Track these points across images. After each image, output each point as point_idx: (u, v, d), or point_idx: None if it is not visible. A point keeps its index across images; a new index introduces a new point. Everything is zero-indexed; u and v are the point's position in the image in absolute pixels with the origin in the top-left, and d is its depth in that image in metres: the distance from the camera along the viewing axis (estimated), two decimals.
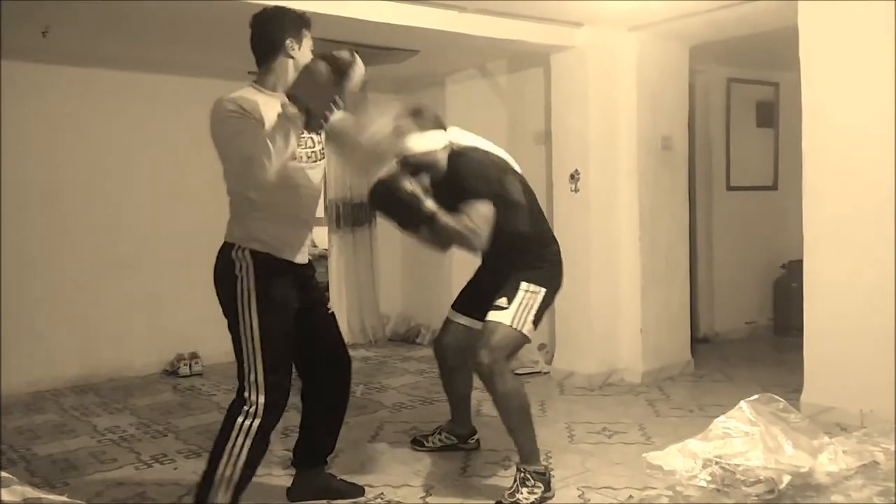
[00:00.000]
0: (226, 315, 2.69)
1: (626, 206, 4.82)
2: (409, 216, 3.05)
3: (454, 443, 3.58)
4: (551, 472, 3.14)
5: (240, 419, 2.62)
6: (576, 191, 4.74)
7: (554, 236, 3.28)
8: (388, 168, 3.05)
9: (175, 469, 3.46)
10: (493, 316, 3.03)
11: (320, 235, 7.17)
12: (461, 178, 3.01)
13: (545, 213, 5.03)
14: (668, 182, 4.93)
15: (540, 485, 2.98)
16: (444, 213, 2.91)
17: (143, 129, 5.27)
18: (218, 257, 2.72)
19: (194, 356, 5.30)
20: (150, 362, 5.30)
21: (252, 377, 2.63)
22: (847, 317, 3.81)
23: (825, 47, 3.86)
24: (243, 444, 2.61)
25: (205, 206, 5.46)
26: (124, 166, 5.24)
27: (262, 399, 2.62)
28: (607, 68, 4.74)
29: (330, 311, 2.99)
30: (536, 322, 3.07)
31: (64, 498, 1.48)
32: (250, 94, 2.61)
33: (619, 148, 4.80)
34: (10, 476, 1.49)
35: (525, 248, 3.13)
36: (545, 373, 5.01)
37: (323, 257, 6.90)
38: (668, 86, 4.91)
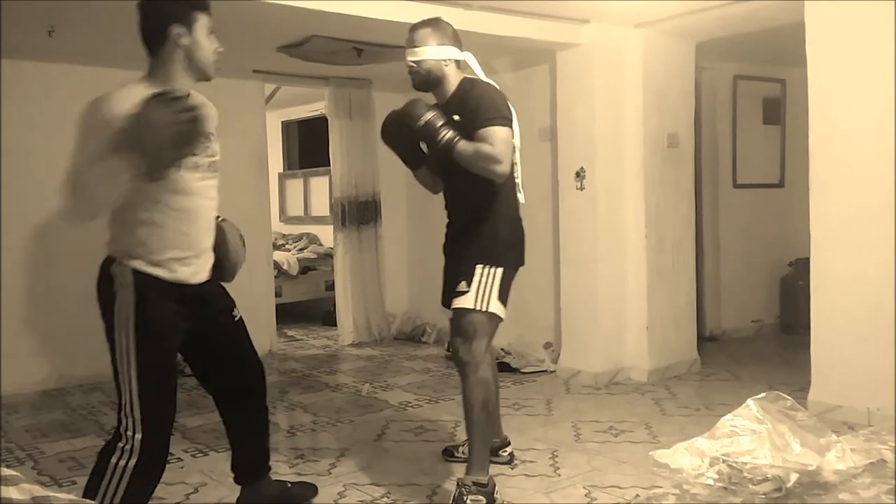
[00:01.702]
0: (105, 333, 2.42)
1: (632, 203, 4.81)
2: (414, 150, 2.99)
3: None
4: (557, 469, 3.12)
5: (113, 459, 2.35)
6: (581, 188, 4.73)
7: (517, 212, 3.06)
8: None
9: (182, 468, 3.46)
10: (456, 303, 2.94)
11: (325, 234, 7.20)
12: (475, 103, 2.84)
13: (550, 210, 5.06)
14: (675, 179, 4.91)
15: (480, 498, 2.81)
16: (464, 141, 2.77)
17: None
18: (99, 271, 2.41)
19: None
20: None
21: (128, 409, 2.36)
22: (854, 315, 3.79)
23: (832, 44, 3.84)
24: (117, 487, 2.33)
25: None
26: None
27: (138, 436, 2.35)
28: (613, 65, 4.73)
29: (237, 318, 2.75)
30: (503, 299, 2.94)
31: (72, 496, 1.48)
32: (132, 93, 2.27)
33: (625, 145, 4.79)
34: (18, 474, 1.49)
35: (482, 223, 2.97)
36: (551, 371, 5.00)
37: (328, 256, 6.93)
38: (675, 83, 4.89)
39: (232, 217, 2.84)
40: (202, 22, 2.39)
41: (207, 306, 2.57)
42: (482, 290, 2.90)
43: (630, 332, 4.85)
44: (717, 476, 1.59)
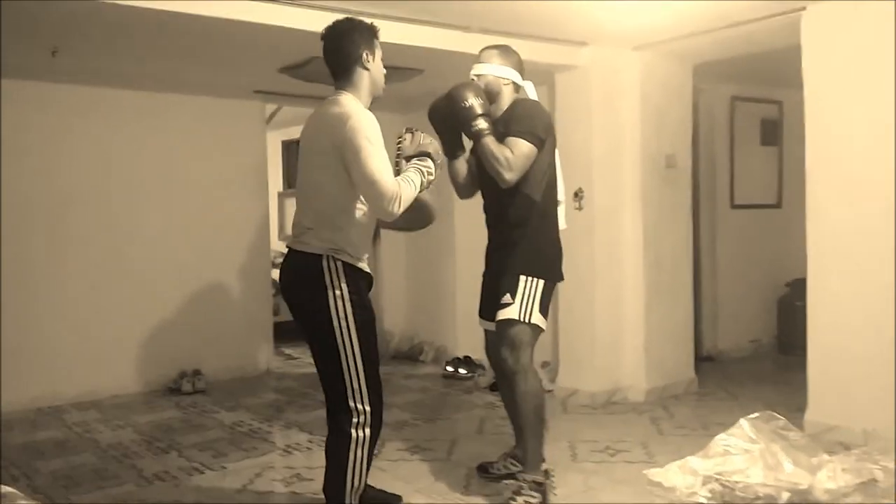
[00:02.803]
0: (310, 326, 2.73)
1: (629, 224, 4.82)
2: (455, 136, 3.12)
3: (519, 469, 3.27)
4: (553, 481, 3.14)
5: (353, 432, 2.67)
6: (580, 209, 4.75)
7: (556, 226, 3.24)
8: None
9: (177, 486, 3.45)
10: (501, 314, 3.06)
11: None
12: (517, 115, 3.05)
13: None
14: (672, 200, 4.93)
15: (536, 495, 2.99)
16: (492, 138, 2.97)
17: (149, 147, 5.31)
18: (298, 269, 2.72)
19: (197, 373, 5.30)
20: (153, 379, 5.30)
21: (357, 386, 2.67)
22: (851, 335, 3.79)
23: (828, 66, 3.88)
24: (363, 454, 2.70)
25: (209, 223, 5.51)
26: (129, 184, 5.27)
27: (368, 408, 2.68)
28: (611, 87, 4.77)
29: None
30: (544, 311, 3.08)
31: None
32: (367, 113, 2.68)
33: (623, 166, 4.82)
34: (16, 491, 1.50)
35: (522, 237, 3.12)
36: (548, 391, 4.97)
37: None
38: (672, 104, 4.93)
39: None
40: (379, 49, 2.77)
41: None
42: (526, 301, 3.05)
43: (627, 351, 4.85)
44: (709, 494, 1.59)
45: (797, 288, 5.56)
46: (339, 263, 2.65)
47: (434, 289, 6.34)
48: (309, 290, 2.68)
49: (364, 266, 2.76)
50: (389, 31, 3.92)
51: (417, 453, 3.85)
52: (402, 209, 2.58)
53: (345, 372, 2.67)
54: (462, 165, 3.27)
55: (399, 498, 3.14)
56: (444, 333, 6.17)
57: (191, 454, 3.90)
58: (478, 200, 3.35)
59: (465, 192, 3.36)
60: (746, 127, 6.25)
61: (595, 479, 3.40)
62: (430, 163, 2.76)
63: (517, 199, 3.09)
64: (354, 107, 2.65)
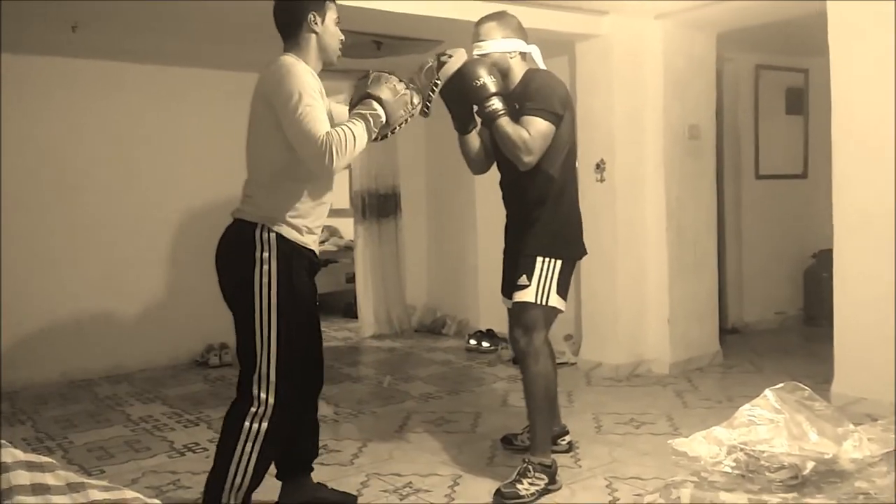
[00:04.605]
0: (231, 298, 2.55)
1: (652, 195, 4.79)
2: (466, 110, 3.00)
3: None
4: (577, 452, 3.13)
5: (246, 423, 2.45)
6: (601, 180, 4.72)
7: (575, 202, 3.16)
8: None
9: (207, 458, 3.50)
10: (517, 296, 3.01)
11: (345, 227, 7.23)
12: (533, 91, 2.92)
13: None
14: (696, 171, 4.89)
15: (543, 476, 2.94)
16: (508, 118, 2.85)
17: (168, 121, 5.34)
18: (229, 236, 2.56)
19: (224, 346, 5.36)
20: (180, 353, 5.38)
21: (264, 372, 2.45)
22: (878, 306, 3.75)
23: (854, 33, 3.81)
24: (252, 450, 2.45)
25: (232, 197, 5.54)
26: (151, 159, 5.30)
27: (271, 399, 2.45)
28: (633, 57, 4.71)
29: (317, 304, 2.81)
30: (563, 292, 3.02)
31: (105, 482, 1.52)
32: (303, 67, 2.49)
33: (646, 137, 4.77)
34: (54, 461, 1.54)
35: (540, 215, 3.03)
36: (572, 364, 5.00)
37: (349, 248, 6.96)
38: (695, 74, 4.86)
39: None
40: (332, 11, 2.58)
41: (315, 282, 2.67)
42: (542, 284, 2.98)
43: (651, 324, 4.84)
44: (734, 464, 1.60)
45: (823, 259, 5.50)
46: (272, 235, 2.45)
47: (456, 262, 6.35)
48: (236, 261, 2.50)
49: (307, 243, 2.54)
50: (408, 3, 3.92)
51: (442, 425, 3.88)
52: (339, 161, 2.34)
53: (256, 354, 2.46)
54: (474, 140, 3.17)
55: (354, 498, 2.93)
56: (467, 307, 6.19)
57: (219, 426, 3.91)
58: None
59: (477, 167, 3.27)
60: (771, 96, 6.16)
61: (620, 450, 3.42)
62: (374, 105, 2.47)
63: (535, 177, 2.99)
64: (289, 61, 2.47)
